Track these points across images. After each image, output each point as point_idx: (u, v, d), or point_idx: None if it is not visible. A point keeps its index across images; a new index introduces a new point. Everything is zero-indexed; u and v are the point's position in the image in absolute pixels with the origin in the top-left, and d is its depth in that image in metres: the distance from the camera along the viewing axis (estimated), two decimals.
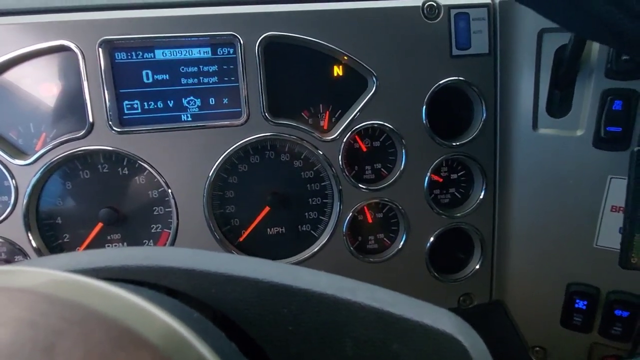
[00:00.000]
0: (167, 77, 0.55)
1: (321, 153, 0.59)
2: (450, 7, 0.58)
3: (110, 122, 0.54)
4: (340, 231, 0.61)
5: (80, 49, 0.52)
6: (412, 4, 0.57)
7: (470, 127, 0.63)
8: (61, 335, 0.15)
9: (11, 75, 0.53)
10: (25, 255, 0.56)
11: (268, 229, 0.62)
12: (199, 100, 0.56)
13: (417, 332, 0.21)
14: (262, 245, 0.62)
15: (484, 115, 0.61)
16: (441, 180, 0.64)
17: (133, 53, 0.54)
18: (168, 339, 0.15)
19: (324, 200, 0.62)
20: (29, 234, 0.55)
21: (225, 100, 0.57)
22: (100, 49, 0.52)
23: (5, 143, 0.54)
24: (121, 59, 0.54)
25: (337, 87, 0.60)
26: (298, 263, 0.61)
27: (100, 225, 0.57)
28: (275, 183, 0.61)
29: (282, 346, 0.23)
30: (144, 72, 0.55)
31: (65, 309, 0.16)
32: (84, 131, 0.54)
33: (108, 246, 0.58)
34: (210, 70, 0.56)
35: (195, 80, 0.56)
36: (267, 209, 0.61)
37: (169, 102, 0.56)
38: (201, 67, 0.56)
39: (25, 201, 0.54)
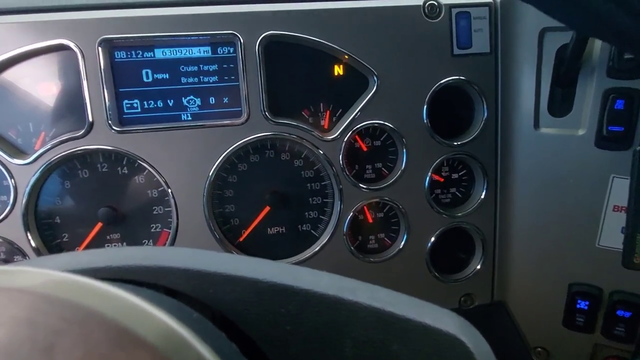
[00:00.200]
0: (167, 76, 0.55)
1: (322, 152, 0.59)
2: (451, 6, 0.58)
3: (109, 122, 0.54)
4: (341, 231, 0.61)
5: (79, 48, 0.52)
6: (413, 3, 0.57)
7: (472, 127, 0.62)
8: (60, 336, 0.14)
9: (10, 74, 0.53)
10: (24, 255, 0.56)
11: (268, 229, 0.62)
12: (199, 99, 0.56)
13: (418, 333, 0.21)
14: (262, 245, 0.62)
15: (485, 114, 0.61)
16: (442, 179, 0.64)
17: (133, 52, 0.54)
18: (167, 339, 0.15)
19: (325, 200, 0.62)
20: (28, 234, 0.55)
21: (225, 100, 0.57)
22: (99, 48, 0.52)
23: (5, 142, 0.54)
24: (121, 58, 0.54)
25: (338, 87, 0.60)
26: (298, 263, 0.61)
27: (99, 224, 0.57)
28: (275, 182, 0.61)
29: (281, 346, 0.23)
30: (143, 71, 0.55)
31: (65, 309, 0.15)
32: (83, 130, 0.54)
33: (107, 246, 0.58)
34: (211, 70, 0.56)
35: (195, 80, 0.56)
36: (267, 208, 0.60)
37: (168, 101, 0.56)
38: (201, 66, 0.56)
39: (24, 201, 0.54)
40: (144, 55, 0.54)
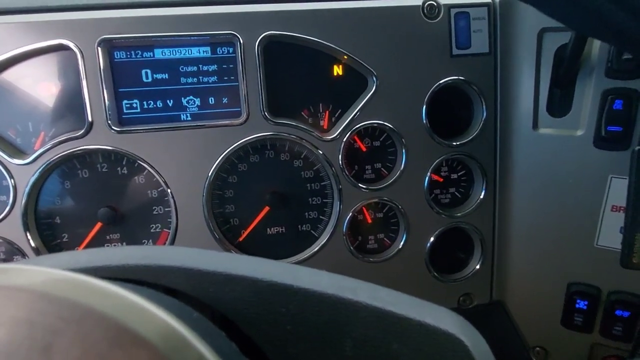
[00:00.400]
0: (166, 76, 0.55)
1: (321, 152, 0.59)
2: (450, 7, 0.58)
3: (109, 122, 0.54)
4: (340, 231, 0.61)
5: (79, 48, 0.52)
6: (412, 4, 0.57)
7: (471, 127, 0.62)
8: (58, 334, 0.14)
9: (10, 74, 0.53)
10: (23, 255, 0.56)
11: (268, 229, 0.62)
12: (199, 99, 0.56)
13: (418, 332, 0.21)
14: (262, 245, 0.62)
15: (484, 114, 0.61)
16: (441, 179, 0.64)
17: (132, 52, 0.54)
18: (167, 338, 0.15)
19: (324, 200, 0.62)
20: (28, 234, 0.55)
21: (224, 100, 0.57)
22: (99, 48, 0.52)
23: (4, 142, 0.54)
24: (120, 58, 0.54)
25: (337, 87, 0.60)
26: (298, 263, 0.61)
27: (99, 224, 0.57)
28: (275, 182, 0.61)
29: (281, 346, 0.23)
30: (143, 72, 0.55)
31: (63, 307, 0.15)
32: (82, 130, 0.54)
33: (107, 246, 0.58)
34: (210, 70, 0.56)
35: (195, 80, 0.56)
36: (266, 208, 0.60)
37: (168, 101, 0.56)
38: (201, 66, 0.56)
39: (23, 201, 0.54)
40: (144, 55, 0.54)
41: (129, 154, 0.55)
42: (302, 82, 0.59)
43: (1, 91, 0.53)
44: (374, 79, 0.58)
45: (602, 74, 0.52)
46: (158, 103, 0.56)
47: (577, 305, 0.59)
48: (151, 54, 0.54)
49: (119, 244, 0.59)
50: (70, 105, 0.54)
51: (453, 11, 0.58)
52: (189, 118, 0.56)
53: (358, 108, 0.58)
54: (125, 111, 0.55)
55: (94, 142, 0.54)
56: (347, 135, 0.59)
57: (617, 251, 0.49)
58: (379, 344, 0.22)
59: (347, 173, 0.60)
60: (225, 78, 0.56)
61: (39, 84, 0.54)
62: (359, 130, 0.59)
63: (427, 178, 0.61)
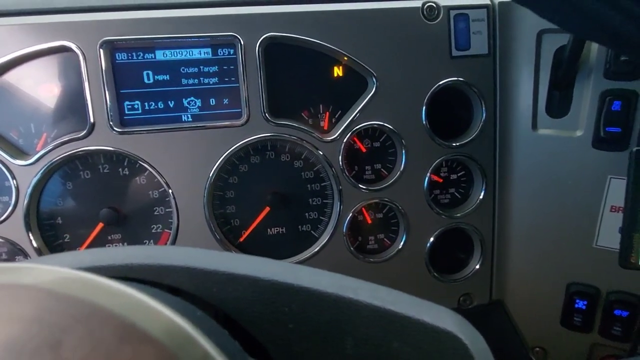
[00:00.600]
0: (167, 77, 0.55)
1: (321, 153, 0.59)
2: (449, 8, 0.58)
3: (111, 123, 0.54)
4: (341, 231, 0.61)
5: (81, 50, 0.52)
6: (412, 5, 0.58)
7: (470, 128, 0.63)
8: (67, 332, 0.15)
9: (12, 75, 0.53)
10: (25, 255, 0.56)
11: (268, 229, 0.62)
12: (200, 100, 0.57)
13: (418, 331, 0.21)
14: (263, 246, 0.62)
15: (484, 115, 0.61)
16: (441, 180, 0.65)
17: (134, 54, 0.54)
18: (173, 335, 0.16)
19: (324, 201, 0.62)
20: (30, 234, 0.55)
21: (225, 101, 0.57)
22: (101, 50, 0.52)
23: (6, 143, 0.54)
24: (122, 60, 0.54)
25: (337, 88, 0.60)
26: (298, 263, 0.61)
27: (100, 225, 0.57)
28: (275, 183, 0.61)
29: (283, 344, 0.23)
30: (144, 73, 0.55)
31: (71, 305, 0.16)
32: (84, 131, 0.54)
33: (109, 246, 0.58)
34: (211, 71, 0.56)
35: (196, 81, 0.56)
36: (267, 209, 0.61)
37: (169, 102, 0.56)
38: (202, 67, 0.56)
39: (26, 201, 0.54)
40: (145, 57, 0.55)
41: (130, 154, 0.55)
42: (303, 83, 0.59)
43: (4, 92, 0.53)
44: (374, 80, 0.58)
45: (601, 75, 0.53)
46: (159, 104, 0.56)
47: (576, 305, 0.60)
48: (152, 55, 0.55)
49: (121, 244, 0.59)
50: (72, 107, 0.55)
51: (452, 13, 0.58)
52: (190, 119, 0.57)
53: (358, 109, 0.59)
54: (126, 112, 0.55)
55: (96, 143, 0.54)
56: (347, 136, 0.59)
57: (616, 251, 0.50)
58: (380, 343, 0.22)
59: (347, 174, 0.60)
60: (226, 79, 0.57)
61: (41, 85, 0.54)
62: (359, 131, 0.60)
63: (426, 178, 0.61)
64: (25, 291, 0.16)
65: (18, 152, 0.55)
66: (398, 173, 0.61)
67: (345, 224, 0.61)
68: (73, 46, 0.52)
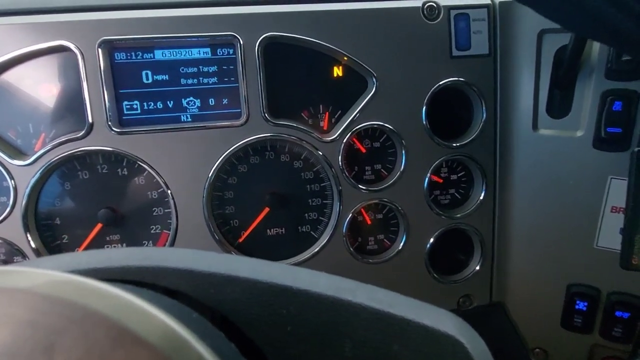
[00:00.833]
0: (166, 77, 0.55)
1: (321, 154, 0.59)
2: (450, 8, 0.58)
3: (109, 123, 0.54)
4: (340, 232, 0.61)
5: (79, 49, 0.52)
6: (412, 5, 0.58)
7: (470, 128, 0.63)
8: (61, 335, 0.15)
9: (10, 75, 0.53)
10: (24, 256, 0.56)
11: (268, 230, 0.62)
12: (199, 100, 0.56)
13: (417, 333, 0.21)
14: (262, 246, 0.62)
15: (484, 116, 0.61)
16: (441, 181, 0.64)
17: (133, 53, 0.54)
18: (167, 338, 0.15)
19: (324, 201, 0.62)
20: (28, 235, 0.55)
21: (225, 101, 0.57)
22: (99, 49, 0.52)
23: (4, 143, 0.54)
24: (121, 59, 0.54)
25: (337, 88, 0.60)
26: (298, 264, 0.61)
27: (99, 225, 0.57)
28: (275, 184, 0.61)
29: (281, 347, 0.23)
30: (143, 73, 0.55)
31: (65, 308, 0.15)
32: (83, 131, 0.54)
33: (107, 247, 0.58)
34: (210, 71, 0.56)
35: (195, 81, 0.56)
36: (266, 209, 0.60)
37: (168, 102, 0.56)
38: (201, 67, 0.56)
39: (24, 202, 0.54)
40: (144, 57, 0.55)
41: (129, 155, 0.55)
42: (302, 83, 0.59)
43: (1, 92, 0.53)
44: (374, 80, 0.58)
45: (602, 75, 0.52)
46: (158, 104, 0.56)
47: (576, 307, 0.60)
48: (151, 55, 0.55)
49: (119, 245, 0.59)
50: (71, 107, 0.54)
51: (453, 12, 0.58)
52: (189, 119, 0.56)
53: (358, 109, 0.58)
54: (125, 112, 0.55)
55: (95, 144, 0.54)
56: (347, 137, 0.59)
57: (617, 252, 0.49)
58: (378, 345, 0.22)
59: (347, 174, 0.60)
60: (226, 79, 0.56)
61: (40, 85, 0.54)
62: (359, 132, 0.59)
63: (426, 179, 0.61)
64: (18, 294, 0.16)
65: (16, 152, 0.55)
66: (398, 173, 0.61)
67: (345, 225, 0.61)
68: (71, 46, 0.52)
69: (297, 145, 0.59)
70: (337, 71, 0.59)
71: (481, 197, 0.63)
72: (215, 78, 0.56)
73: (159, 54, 0.55)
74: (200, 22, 0.54)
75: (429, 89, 0.59)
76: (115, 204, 0.57)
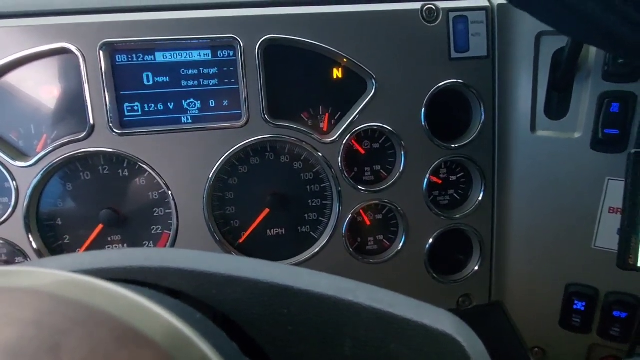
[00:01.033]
0: (167, 79, 0.56)
1: (321, 155, 0.59)
2: (448, 10, 0.58)
3: (110, 124, 0.54)
4: (340, 232, 0.61)
5: (81, 52, 0.52)
6: (411, 7, 0.58)
7: (469, 130, 0.63)
8: (66, 334, 0.15)
9: (12, 77, 0.53)
10: (25, 256, 0.56)
11: (268, 230, 0.62)
12: (199, 102, 0.57)
13: (416, 333, 0.22)
14: (262, 247, 0.62)
15: (483, 117, 0.61)
16: (440, 181, 0.65)
17: (134, 55, 0.54)
18: (171, 337, 0.16)
19: (324, 202, 0.62)
20: (30, 236, 0.55)
21: (225, 103, 0.57)
22: (101, 52, 0.52)
23: (6, 145, 0.54)
24: (122, 62, 0.54)
25: (337, 90, 0.60)
26: (298, 264, 0.61)
27: (100, 226, 0.57)
28: (275, 184, 0.61)
29: (282, 346, 0.23)
30: (144, 75, 0.55)
31: (70, 308, 0.16)
32: (84, 133, 0.54)
33: (108, 247, 0.58)
34: (211, 73, 0.56)
35: (196, 83, 0.56)
36: (266, 210, 0.61)
37: (169, 104, 0.56)
38: (201, 69, 0.56)
39: (25, 203, 0.54)
40: (145, 59, 0.55)
41: (130, 156, 0.55)
42: (302, 84, 0.59)
43: (4, 94, 0.54)
44: (374, 81, 0.58)
45: (599, 77, 0.53)
46: (159, 106, 0.56)
47: (575, 306, 0.60)
48: (152, 57, 0.55)
49: (120, 245, 0.59)
50: (72, 108, 0.55)
51: (451, 15, 0.58)
52: (190, 121, 0.57)
53: (358, 111, 0.59)
54: (126, 114, 0.55)
55: (96, 145, 0.55)
56: (346, 138, 0.59)
57: (615, 252, 0.50)
58: (378, 345, 0.22)
59: (346, 175, 0.60)
60: (226, 81, 0.57)
61: (41, 87, 0.54)
62: (358, 133, 0.60)
63: (426, 180, 0.62)
64: (23, 294, 0.16)
65: (18, 153, 0.55)
66: (397, 174, 0.61)
67: (345, 225, 0.61)
68: (73, 48, 0.52)
69: (297, 147, 0.60)
70: (337, 73, 0.60)
71: (480, 198, 0.64)
72: (216, 80, 0.57)
73: (159, 56, 0.55)
74: (201, 25, 0.54)
75: (428, 90, 0.59)
76: (116, 204, 0.58)
